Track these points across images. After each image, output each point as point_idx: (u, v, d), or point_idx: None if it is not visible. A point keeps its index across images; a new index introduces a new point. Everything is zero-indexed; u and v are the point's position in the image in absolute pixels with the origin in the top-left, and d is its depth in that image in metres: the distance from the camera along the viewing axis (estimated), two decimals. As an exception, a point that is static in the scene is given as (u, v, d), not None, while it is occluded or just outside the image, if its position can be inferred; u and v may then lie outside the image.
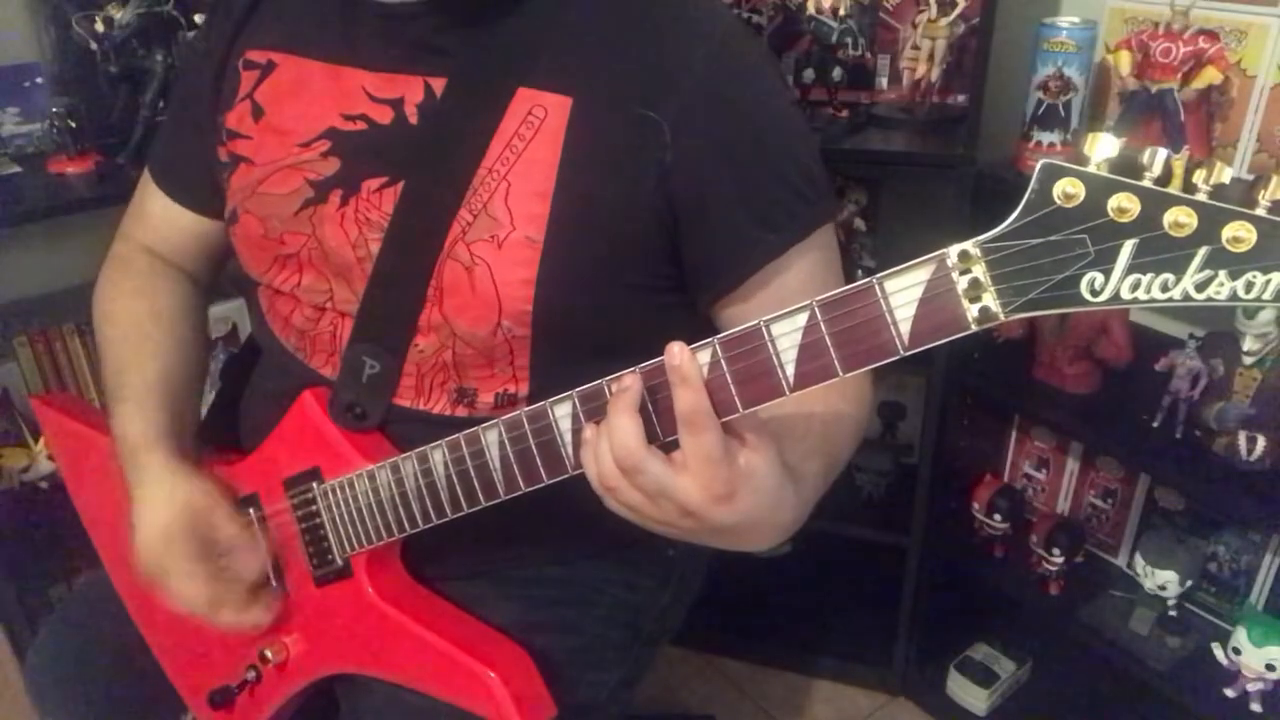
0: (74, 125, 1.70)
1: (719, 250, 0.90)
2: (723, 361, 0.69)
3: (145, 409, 1.03)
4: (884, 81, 1.84)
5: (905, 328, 0.63)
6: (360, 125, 0.95)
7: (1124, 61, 1.51)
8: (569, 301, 0.91)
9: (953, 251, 0.61)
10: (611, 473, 0.72)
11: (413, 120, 0.93)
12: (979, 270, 0.60)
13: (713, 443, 0.68)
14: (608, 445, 0.72)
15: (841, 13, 1.70)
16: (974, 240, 0.60)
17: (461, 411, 0.97)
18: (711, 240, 0.90)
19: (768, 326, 0.68)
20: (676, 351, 0.68)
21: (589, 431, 0.74)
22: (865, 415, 0.95)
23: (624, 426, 0.70)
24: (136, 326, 1.10)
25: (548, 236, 0.88)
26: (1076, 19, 1.49)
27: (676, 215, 0.89)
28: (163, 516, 0.97)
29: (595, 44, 0.89)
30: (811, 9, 1.71)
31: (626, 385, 0.71)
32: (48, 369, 1.85)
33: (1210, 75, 1.44)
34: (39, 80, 1.77)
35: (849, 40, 1.72)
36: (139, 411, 1.03)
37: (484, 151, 0.89)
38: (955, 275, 0.61)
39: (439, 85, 0.92)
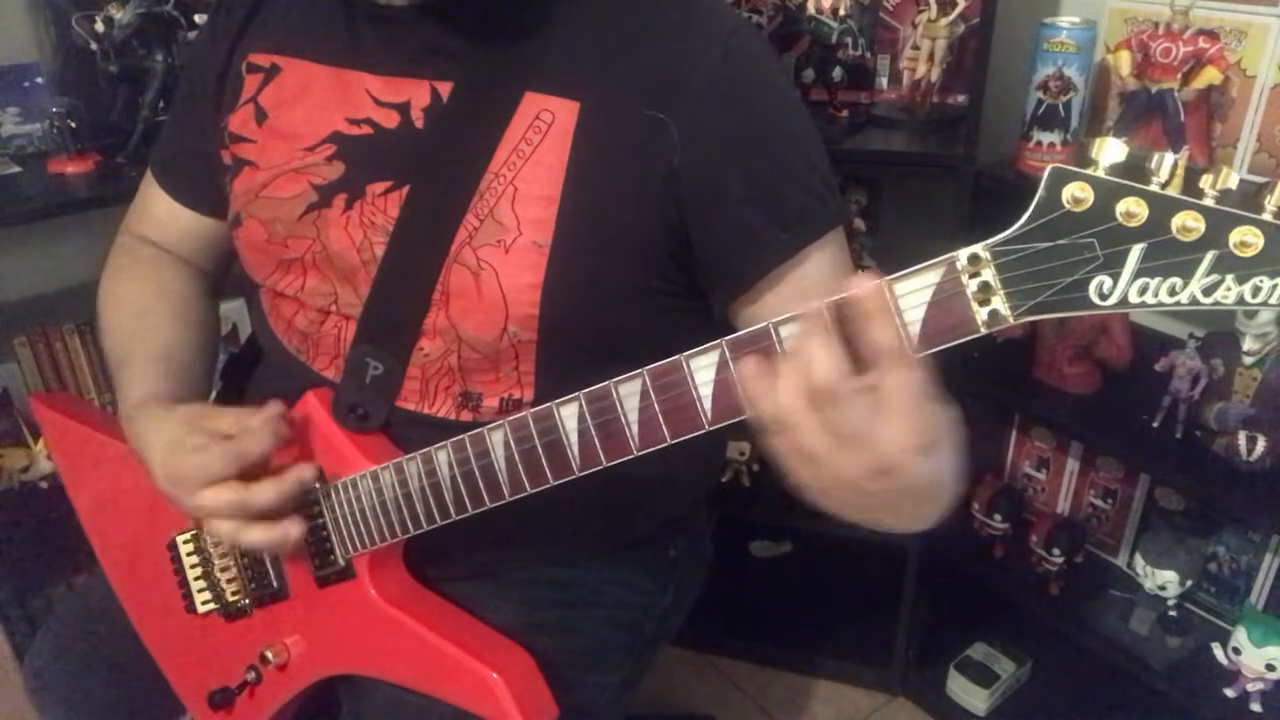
0: (74, 125, 1.70)
1: (732, 251, 0.90)
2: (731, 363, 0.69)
3: (146, 376, 1.02)
4: (884, 81, 1.84)
5: (914, 330, 0.63)
6: (365, 129, 0.95)
7: (1124, 61, 1.51)
8: (576, 306, 0.90)
9: (962, 255, 0.61)
10: (796, 406, 0.62)
11: (419, 124, 0.93)
12: (988, 273, 0.60)
13: (920, 380, 0.61)
14: (796, 376, 0.62)
15: (841, 13, 1.70)
16: (984, 244, 0.60)
17: (466, 416, 0.97)
18: (723, 241, 0.90)
19: (776, 329, 0.67)
20: (861, 284, 0.62)
21: (758, 367, 0.64)
22: None
23: (827, 349, 0.61)
24: (139, 304, 1.10)
25: (555, 241, 0.88)
26: (1076, 19, 1.49)
27: (685, 217, 0.89)
28: (166, 435, 0.94)
29: (602, 47, 0.89)
30: (811, 9, 1.71)
31: (817, 310, 0.63)
32: (48, 369, 1.85)
33: (1210, 75, 1.44)
34: (39, 80, 1.77)
35: (849, 40, 1.72)
36: (139, 378, 1.02)
37: (491, 156, 0.89)
38: (965, 278, 0.61)
39: (445, 89, 0.92)
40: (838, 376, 0.60)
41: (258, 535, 0.91)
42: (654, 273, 0.93)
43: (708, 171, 0.87)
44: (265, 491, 0.90)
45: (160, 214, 1.16)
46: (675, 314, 0.95)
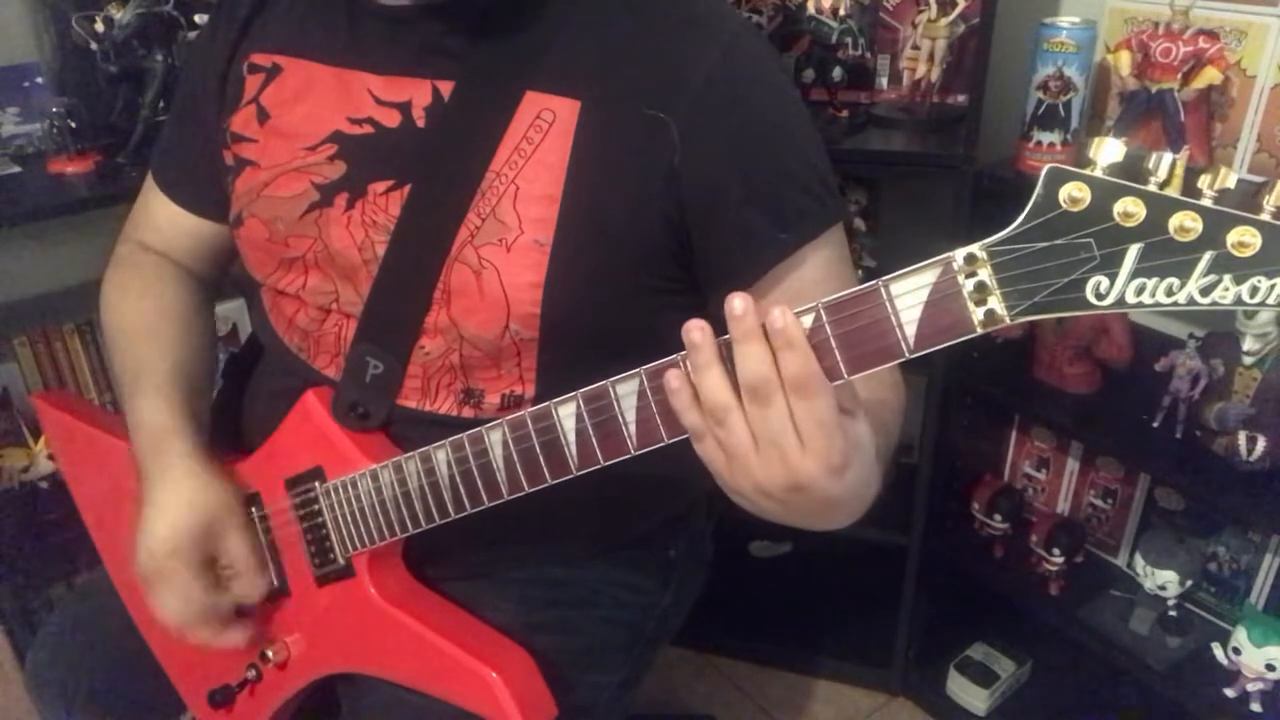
0: (74, 125, 1.69)
1: (730, 250, 0.90)
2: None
3: (167, 398, 1.02)
4: (884, 81, 1.84)
5: (910, 330, 0.63)
6: (367, 129, 0.95)
7: (1124, 61, 1.51)
8: (577, 304, 0.91)
9: (959, 254, 0.61)
10: (725, 401, 0.66)
11: (420, 123, 0.93)
12: (985, 273, 0.60)
13: (826, 408, 0.64)
14: (721, 373, 0.66)
15: (841, 13, 1.70)
16: (980, 243, 0.60)
17: (468, 413, 0.97)
18: (722, 240, 0.90)
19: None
20: (778, 315, 0.63)
21: (698, 360, 0.67)
22: (904, 401, 0.93)
23: (756, 353, 0.64)
24: (147, 324, 1.10)
25: (556, 240, 0.88)
26: (1076, 19, 1.49)
27: (685, 216, 0.89)
28: (175, 519, 0.96)
29: (603, 46, 0.89)
30: (811, 9, 1.71)
31: (743, 310, 0.64)
32: (48, 369, 1.85)
33: (1210, 75, 1.44)
34: (39, 80, 1.77)
35: (849, 40, 1.72)
36: (160, 401, 1.02)
37: (492, 155, 0.89)
38: (961, 278, 0.61)
39: (446, 88, 0.92)
40: (771, 374, 0.64)
41: (204, 636, 1.00)
42: (655, 271, 0.93)
43: (708, 171, 0.87)
44: (225, 608, 1.01)
45: (161, 219, 1.16)
46: (677, 312, 0.95)
